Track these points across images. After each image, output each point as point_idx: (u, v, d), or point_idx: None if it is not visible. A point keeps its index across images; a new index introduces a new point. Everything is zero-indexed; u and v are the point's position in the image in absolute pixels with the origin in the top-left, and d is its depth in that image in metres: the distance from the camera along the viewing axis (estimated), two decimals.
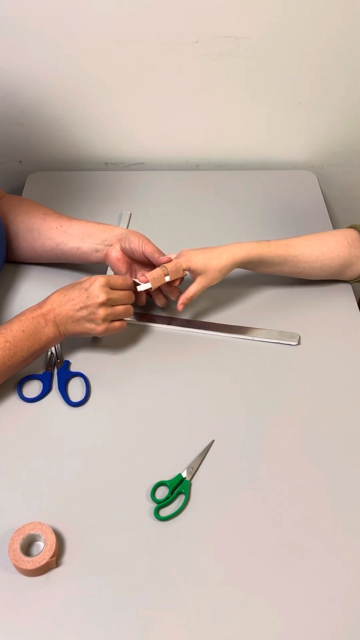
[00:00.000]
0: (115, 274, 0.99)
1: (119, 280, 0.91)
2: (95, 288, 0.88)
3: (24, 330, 0.86)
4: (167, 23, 1.09)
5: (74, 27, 1.10)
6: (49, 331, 0.88)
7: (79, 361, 0.94)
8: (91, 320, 0.88)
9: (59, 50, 1.13)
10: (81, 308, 0.88)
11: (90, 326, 0.89)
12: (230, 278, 0.99)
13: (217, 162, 1.33)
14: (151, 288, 0.93)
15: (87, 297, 0.88)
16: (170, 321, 1.00)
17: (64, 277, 1.06)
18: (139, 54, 1.14)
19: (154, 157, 1.31)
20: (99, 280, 0.88)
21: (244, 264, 0.97)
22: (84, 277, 0.92)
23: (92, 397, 0.90)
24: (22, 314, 0.89)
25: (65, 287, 0.91)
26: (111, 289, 0.89)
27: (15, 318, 0.89)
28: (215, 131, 1.28)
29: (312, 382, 0.93)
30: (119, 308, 0.90)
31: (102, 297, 0.87)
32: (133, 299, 0.93)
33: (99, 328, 0.89)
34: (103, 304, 0.88)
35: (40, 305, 0.90)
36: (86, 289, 0.88)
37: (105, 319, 0.89)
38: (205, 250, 0.95)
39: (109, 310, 0.89)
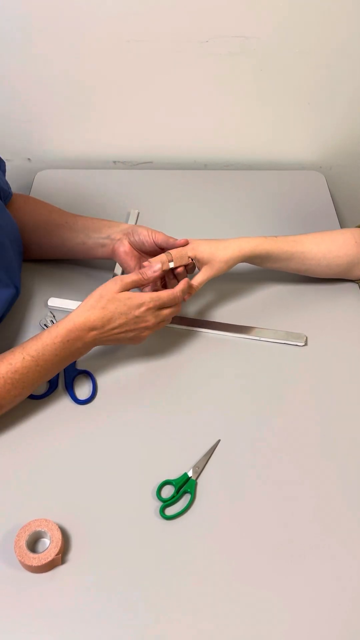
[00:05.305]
0: (123, 268, 0.99)
1: (167, 299, 0.88)
2: (148, 313, 0.86)
3: (57, 355, 0.83)
4: (176, 22, 1.09)
5: (83, 26, 1.10)
6: (84, 350, 0.86)
7: (85, 359, 0.94)
8: (132, 339, 0.89)
9: (68, 48, 1.13)
10: (127, 331, 0.86)
11: (127, 342, 0.89)
12: (237, 277, 0.99)
13: (225, 161, 1.33)
14: (160, 268, 0.90)
15: (135, 322, 0.86)
16: (177, 320, 1.00)
17: (72, 273, 1.06)
18: (148, 53, 1.14)
19: (162, 156, 1.31)
20: (150, 306, 0.86)
21: (251, 259, 0.97)
22: (124, 288, 0.86)
23: (99, 395, 0.91)
24: (54, 333, 0.83)
25: (103, 302, 0.85)
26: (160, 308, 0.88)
27: (46, 338, 0.83)
28: (224, 131, 1.28)
29: (319, 383, 0.93)
30: (161, 324, 0.90)
31: (151, 322, 0.87)
32: (178, 312, 0.91)
33: (135, 343, 0.90)
34: (150, 328, 0.88)
35: (74, 324, 0.83)
36: (135, 315, 0.85)
37: (145, 337, 0.89)
38: (212, 241, 0.95)
39: (153, 330, 0.89)
